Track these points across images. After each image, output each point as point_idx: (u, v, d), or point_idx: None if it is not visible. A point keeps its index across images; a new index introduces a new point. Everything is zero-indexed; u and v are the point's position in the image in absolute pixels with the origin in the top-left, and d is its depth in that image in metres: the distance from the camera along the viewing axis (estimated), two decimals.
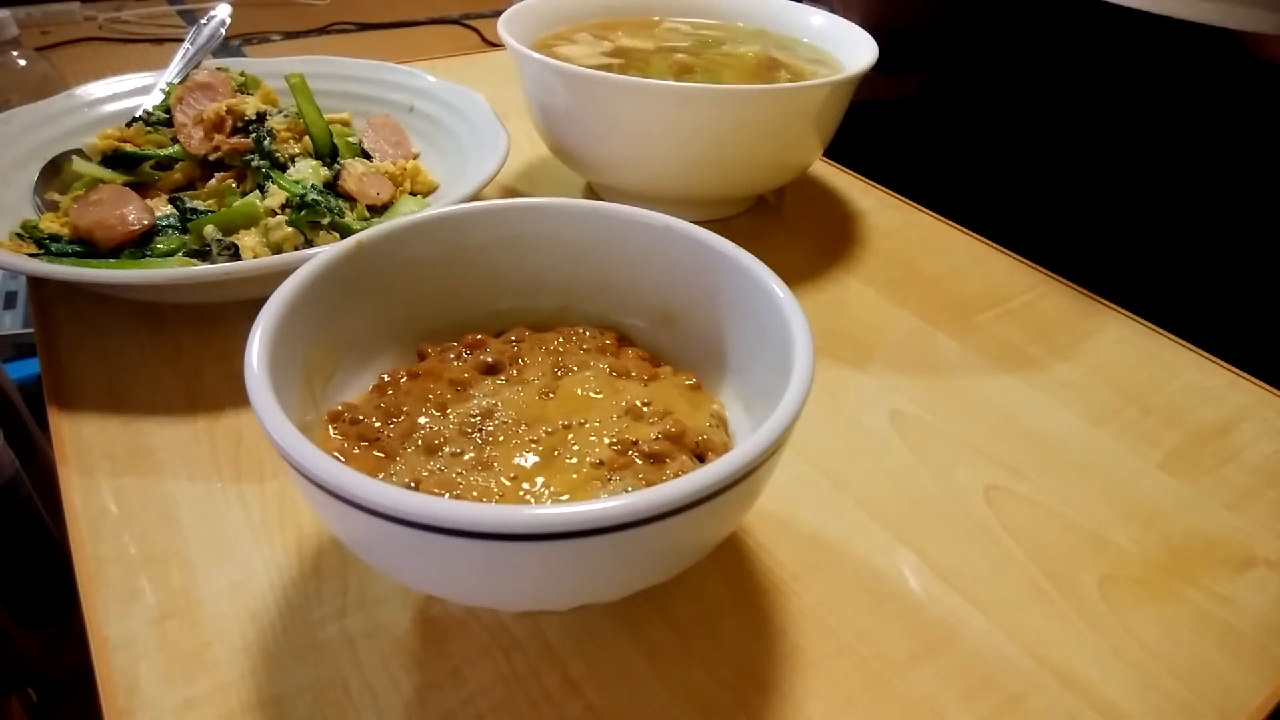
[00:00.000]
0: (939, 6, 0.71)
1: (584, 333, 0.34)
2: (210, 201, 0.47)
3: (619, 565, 0.23)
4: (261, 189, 0.46)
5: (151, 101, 0.54)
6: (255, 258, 0.42)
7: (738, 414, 0.31)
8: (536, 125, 0.52)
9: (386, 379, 0.31)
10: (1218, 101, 0.57)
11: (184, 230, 0.45)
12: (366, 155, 0.52)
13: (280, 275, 0.28)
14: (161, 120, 0.51)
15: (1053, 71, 0.66)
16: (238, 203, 0.45)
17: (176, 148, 0.49)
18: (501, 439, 0.28)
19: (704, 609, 0.30)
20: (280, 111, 0.51)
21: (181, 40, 0.59)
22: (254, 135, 0.48)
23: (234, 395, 0.38)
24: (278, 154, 0.48)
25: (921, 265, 0.51)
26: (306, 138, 0.50)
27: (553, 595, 0.25)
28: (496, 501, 0.26)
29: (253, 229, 0.44)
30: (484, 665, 0.28)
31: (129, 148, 0.49)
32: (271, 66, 0.57)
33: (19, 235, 0.43)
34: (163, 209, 0.46)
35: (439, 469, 0.27)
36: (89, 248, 0.43)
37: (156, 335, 0.42)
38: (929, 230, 0.55)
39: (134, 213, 0.44)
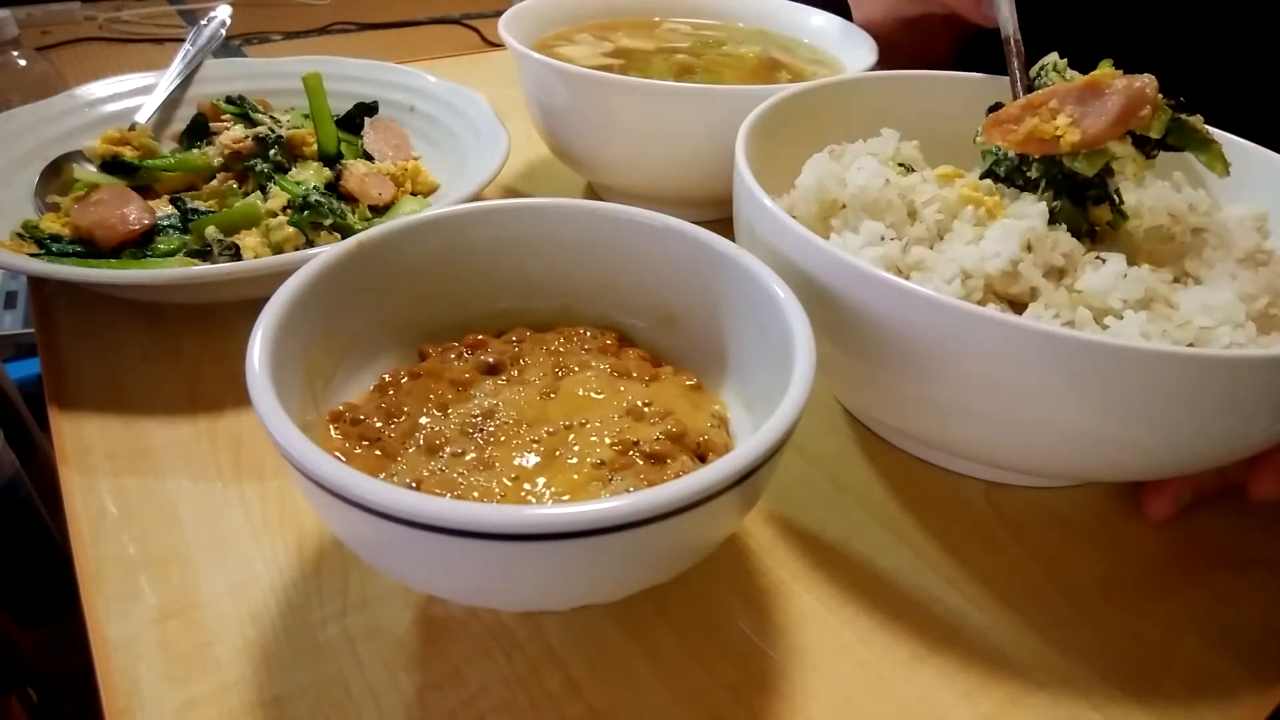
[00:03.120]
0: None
1: (585, 333, 0.34)
2: (211, 202, 0.47)
3: (620, 565, 0.23)
4: (263, 190, 0.46)
5: (152, 102, 0.53)
6: (256, 258, 0.42)
7: (739, 414, 0.31)
8: (536, 125, 0.52)
9: (387, 379, 0.31)
10: (1217, 100, 0.57)
11: (185, 230, 0.45)
12: (368, 156, 0.52)
13: (281, 275, 0.28)
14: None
15: None
16: (239, 203, 0.45)
17: (175, 157, 0.49)
18: (503, 439, 0.28)
19: (704, 609, 0.30)
20: (278, 119, 0.51)
21: (182, 40, 0.59)
22: (260, 139, 0.48)
23: (234, 395, 0.38)
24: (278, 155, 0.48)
25: None
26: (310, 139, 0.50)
27: (554, 595, 0.25)
28: (498, 502, 0.26)
29: (254, 229, 0.44)
30: (485, 665, 0.28)
31: (128, 154, 0.49)
32: (272, 66, 0.57)
33: (20, 235, 0.43)
34: (164, 209, 0.46)
35: (440, 469, 0.27)
36: (89, 248, 0.43)
37: (157, 335, 0.42)
38: None
39: (134, 213, 0.44)
